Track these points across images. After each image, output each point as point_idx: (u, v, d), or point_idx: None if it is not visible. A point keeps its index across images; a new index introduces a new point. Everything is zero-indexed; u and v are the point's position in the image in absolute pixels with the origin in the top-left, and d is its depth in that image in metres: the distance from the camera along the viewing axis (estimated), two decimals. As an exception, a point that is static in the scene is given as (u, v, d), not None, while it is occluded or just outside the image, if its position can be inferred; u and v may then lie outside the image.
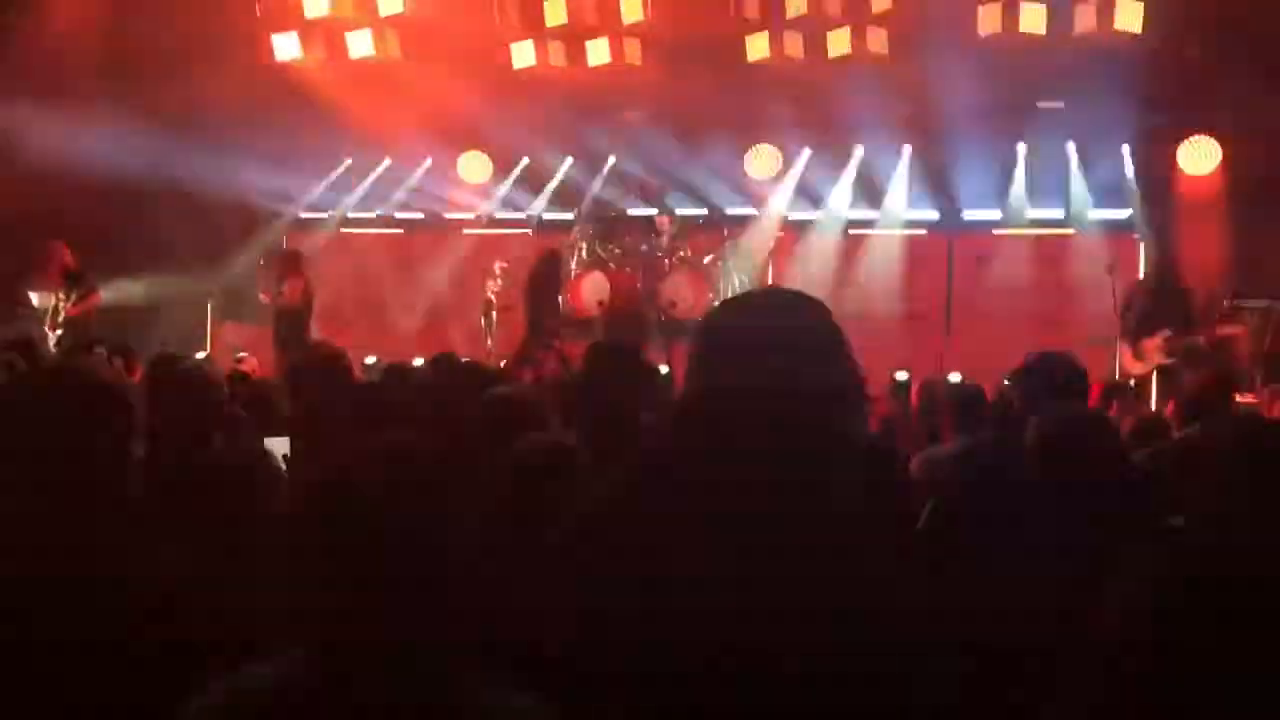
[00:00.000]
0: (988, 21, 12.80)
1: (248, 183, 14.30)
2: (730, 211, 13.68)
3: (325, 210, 15.19)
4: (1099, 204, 13.02)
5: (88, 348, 10.39)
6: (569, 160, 14.44)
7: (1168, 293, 10.52)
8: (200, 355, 11.54)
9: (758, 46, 13.50)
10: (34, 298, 11.83)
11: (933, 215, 13.59)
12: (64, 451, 2.32)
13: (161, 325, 12.72)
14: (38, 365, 5.44)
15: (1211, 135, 12.51)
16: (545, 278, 12.30)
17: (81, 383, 2.39)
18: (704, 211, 13.56)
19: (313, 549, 1.83)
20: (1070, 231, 13.12)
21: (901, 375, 11.23)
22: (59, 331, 11.35)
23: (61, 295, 11.43)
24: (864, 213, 13.75)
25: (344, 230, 15.21)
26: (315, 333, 12.06)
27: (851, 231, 13.69)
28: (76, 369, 2.44)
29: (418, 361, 8.10)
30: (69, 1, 12.64)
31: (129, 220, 13.37)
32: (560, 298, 12.39)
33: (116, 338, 9.97)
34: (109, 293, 12.00)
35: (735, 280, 12.36)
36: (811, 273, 13.10)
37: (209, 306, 13.85)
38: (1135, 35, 12.28)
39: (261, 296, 12.62)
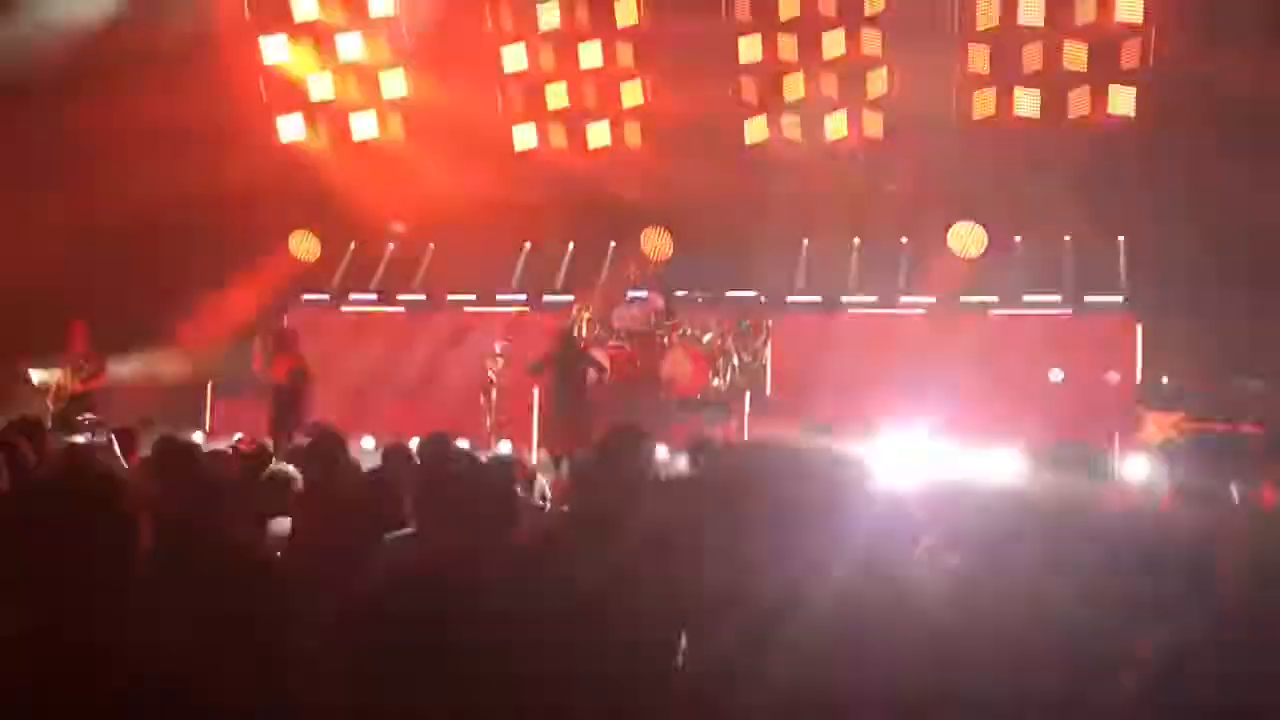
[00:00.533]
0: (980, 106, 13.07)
1: (254, 261, 14.52)
2: (731, 294, 13.75)
3: (327, 290, 15.32)
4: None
5: (85, 423, 10.45)
6: (570, 244, 14.62)
7: None
8: (197, 435, 11.56)
9: (756, 129, 13.72)
10: (34, 375, 11.90)
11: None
12: (71, 547, 2.36)
13: (160, 403, 12.73)
14: (45, 451, 5.44)
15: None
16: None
17: (88, 485, 2.43)
18: (706, 293, 13.64)
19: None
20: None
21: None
22: (61, 405, 11.48)
23: (71, 372, 11.63)
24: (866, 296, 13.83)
25: (344, 309, 15.28)
26: (310, 412, 12.03)
27: (852, 311, 13.76)
28: (83, 467, 2.48)
29: (414, 442, 8.06)
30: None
31: (128, 297, 13.48)
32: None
33: (116, 415, 9.98)
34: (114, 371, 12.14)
35: (735, 360, 12.39)
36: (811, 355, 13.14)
37: (209, 385, 13.85)
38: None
39: (254, 367, 12.70)
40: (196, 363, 13.84)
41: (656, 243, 12.71)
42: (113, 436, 8.15)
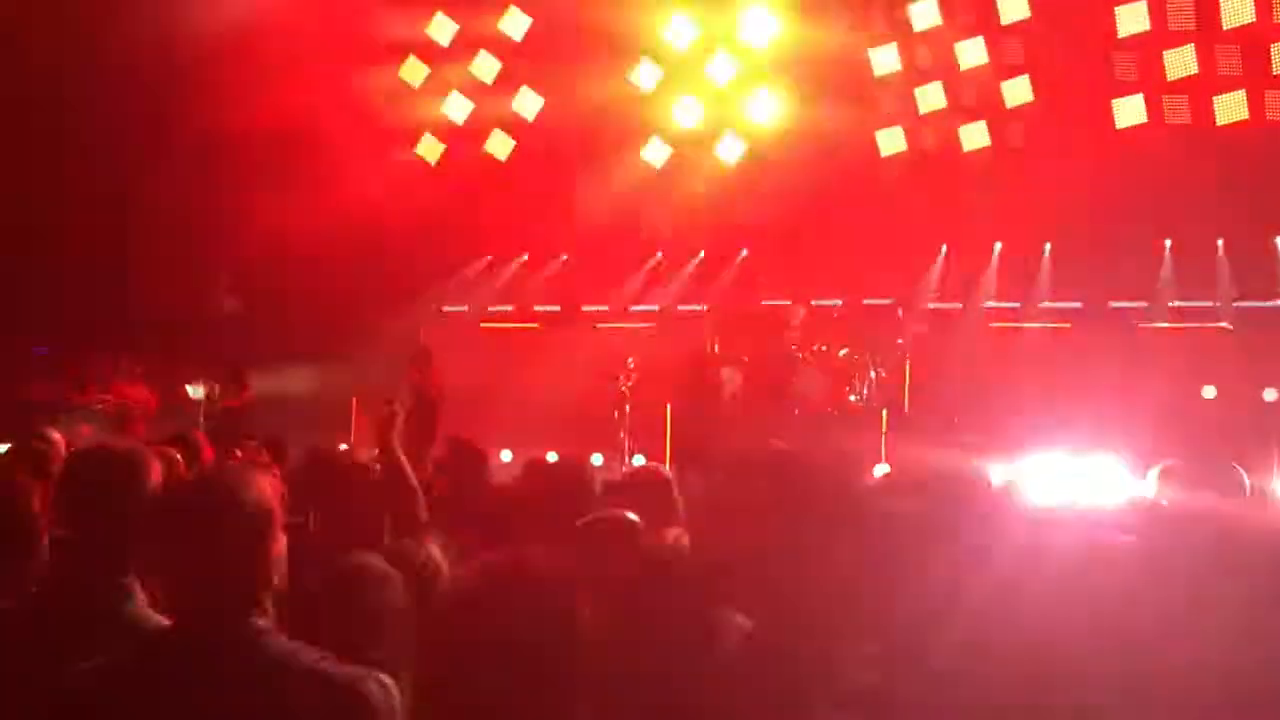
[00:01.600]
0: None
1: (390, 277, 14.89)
2: (868, 303, 13.53)
3: (464, 304, 15.64)
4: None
5: (239, 439, 10.81)
6: (700, 254, 14.63)
7: None
8: (343, 446, 11.84)
9: (892, 141, 13.56)
10: (190, 390, 12.41)
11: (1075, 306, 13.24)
12: (208, 561, 2.45)
13: (307, 416, 13.10)
14: (198, 463, 5.63)
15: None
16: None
17: (226, 498, 2.50)
18: (839, 303, 13.46)
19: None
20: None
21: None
22: (214, 420, 11.96)
23: (219, 388, 12.09)
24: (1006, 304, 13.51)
25: (482, 324, 15.56)
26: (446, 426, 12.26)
27: (993, 324, 13.42)
28: (223, 482, 2.56)
29: (551, 457, 8.12)
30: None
31: (280, 314, 13.97)
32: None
33: (266, 428, 10.30)
34: (264, 385, 12.58)
35: (872, 374, 12.16)
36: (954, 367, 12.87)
37: (353, 399, 14.21)
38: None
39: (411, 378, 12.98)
40: (341, 375, 14.21)
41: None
42: (260, 447, 8.43)
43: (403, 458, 4.73)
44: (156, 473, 3.16)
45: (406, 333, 14.65)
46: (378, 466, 4.79)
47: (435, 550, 3.89)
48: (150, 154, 13.71)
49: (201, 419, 11.83)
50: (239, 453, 8.28)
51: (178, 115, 13.58)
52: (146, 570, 2.94)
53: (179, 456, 5.10)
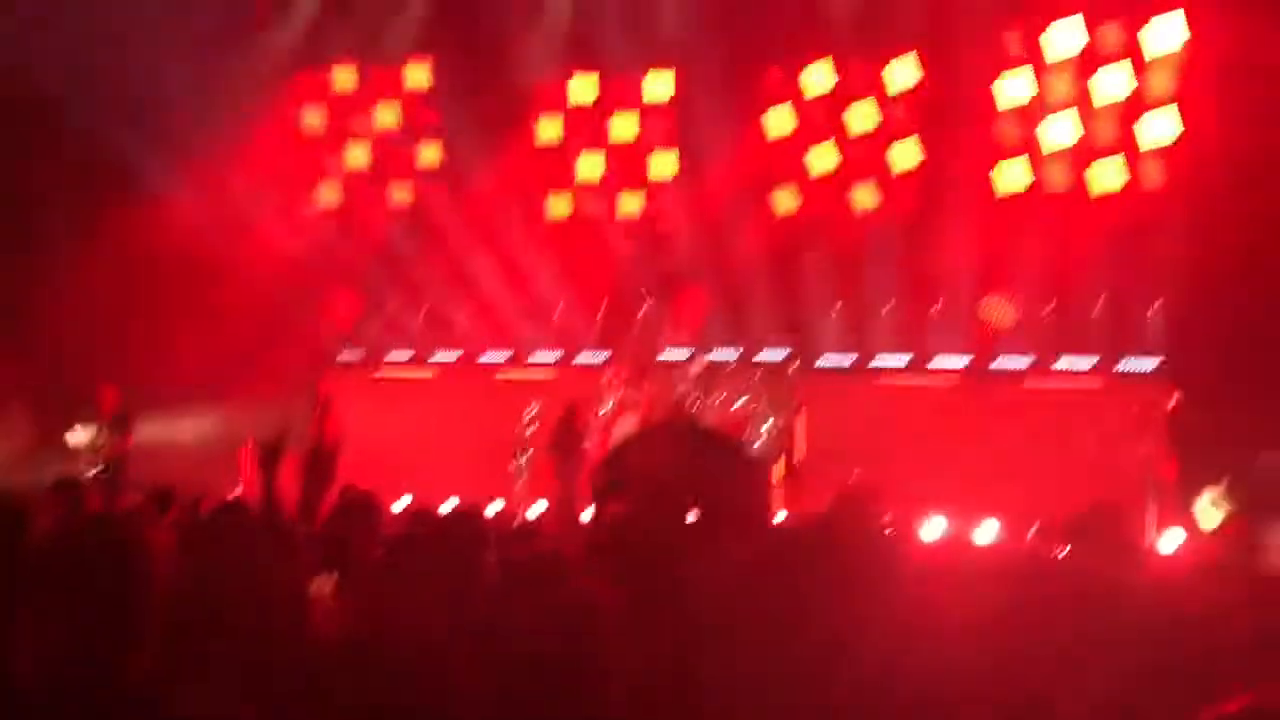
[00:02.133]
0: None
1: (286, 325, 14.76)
2: (762, 357, 13.78)
3: (361, 354, 15.53)
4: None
5: (125, 487, 10.60)
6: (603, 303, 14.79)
7: None
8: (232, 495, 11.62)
9: (786, 200, 13.94)
10: (70, 437, 12.09)
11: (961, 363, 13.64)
12: (92, 602, 2.45)
13: (202, 464, 12.86)
14: (81, 511, 5.54)
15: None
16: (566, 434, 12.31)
17: (110, 542, 2.50)
18: (737, 354, 13.68)
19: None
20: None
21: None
22: (96, 466, 11.68)
23: (103, 435, 11.81)
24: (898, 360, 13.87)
25: (377, 375, 15.45)
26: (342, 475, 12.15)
27: (884, 381, 13.74)
28: (109, 526, 2.56)
29: (446, 507, 8.11)
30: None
31: (171, 360, 13.71)
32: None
33: (157, 477, 10.09)
34: (152, 432, 12.35)
35: (767, 424, 12.34)
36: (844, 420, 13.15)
37: (241, 450, 13.95)
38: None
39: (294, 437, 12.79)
40: (236, 423, 13.97)
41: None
42: (148, 497, 8.25)
43: (279, 498, 4.68)
44: (41, 521, 3.13)
45: (302, 381, 14.48)
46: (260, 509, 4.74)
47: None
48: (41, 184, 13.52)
49: (83, 466, 11.53)
50: (124, 502, 8.11)
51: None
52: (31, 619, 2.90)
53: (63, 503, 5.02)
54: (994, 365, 13.46)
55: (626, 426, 12.21)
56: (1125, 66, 12.95)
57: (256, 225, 14.59)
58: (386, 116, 15.40)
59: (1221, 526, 10.36)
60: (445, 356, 15.50)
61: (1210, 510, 10.70)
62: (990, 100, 13.46)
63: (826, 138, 14.23)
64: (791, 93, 14.33)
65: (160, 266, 13.87)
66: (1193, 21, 12.59)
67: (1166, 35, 12.75)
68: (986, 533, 11.10)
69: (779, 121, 14.32)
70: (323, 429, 12.16)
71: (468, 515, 5.98)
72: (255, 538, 4.89)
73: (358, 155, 15.55)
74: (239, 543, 4.78)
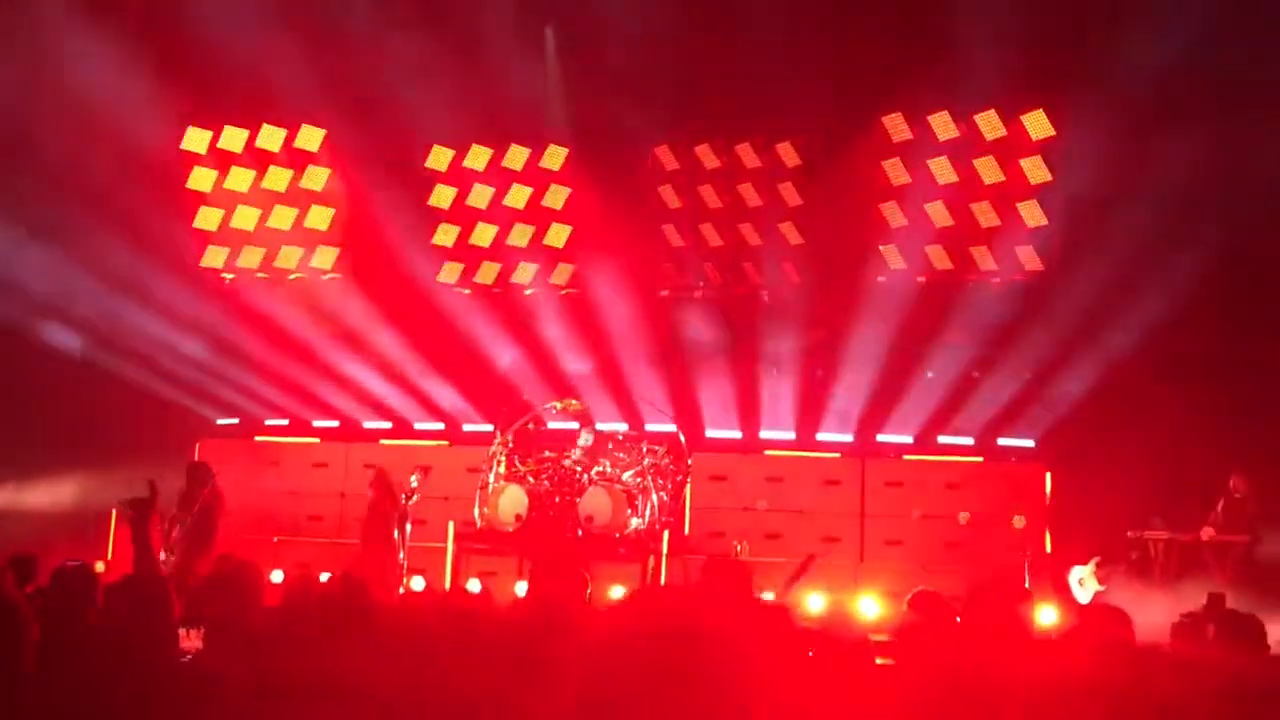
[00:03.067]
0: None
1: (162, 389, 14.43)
2: (652, 429, 13.84)
3: (240, 417, 15.20)
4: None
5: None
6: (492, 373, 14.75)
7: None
8: (100, 565, 11.20)
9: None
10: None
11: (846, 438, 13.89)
12: None
13: (65, 531, 12.38)
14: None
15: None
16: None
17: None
18: (624, 426, 13.71)
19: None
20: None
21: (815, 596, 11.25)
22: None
23: None
24: (781, 434, 14.06)
25: (257, 438, 15.11)
26: (220, 543, 11.81)
27: (768, 453, 13.90)
28: None
29: (324, 576, 7.90)
30: None
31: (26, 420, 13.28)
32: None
33: (13, 543, 9.69)
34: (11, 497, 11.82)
35: (654, 498, 12.37)
36: (732, 493, 13.29)
37: (112, 514, 13.48)
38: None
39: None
40: (99, 489, 13.51)
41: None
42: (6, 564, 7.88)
43: (153, 552, 4.52)
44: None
45: (177, 445, 14.10)
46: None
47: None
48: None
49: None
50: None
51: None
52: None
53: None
54: (877, 438, 13.74)
55: (513, 496, 12.10)
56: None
57: (140, 287, 14.28)
58: (276, 179, 15.24)
59: (1094, 600, 10.68)
60: (326, 422, 15.27)
61: (1084, 584, 11.06)
62: (876, 181, 13.87)
63: (718, 215, 14.54)
64: (684, 169, 14.62)
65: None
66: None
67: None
68: (869, 607, 11.23)
69: (669, 198, 14.65)
70: (210, 493, 11.80)
71: (346, 585, 5.87)
72: (121, 598, 4.72)
73: (247, 218, 15.34)
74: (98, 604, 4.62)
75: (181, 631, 4.30)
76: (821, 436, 13.94)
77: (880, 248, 13.86)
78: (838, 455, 13.64)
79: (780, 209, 14.28)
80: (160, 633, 4.15)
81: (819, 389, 13.96)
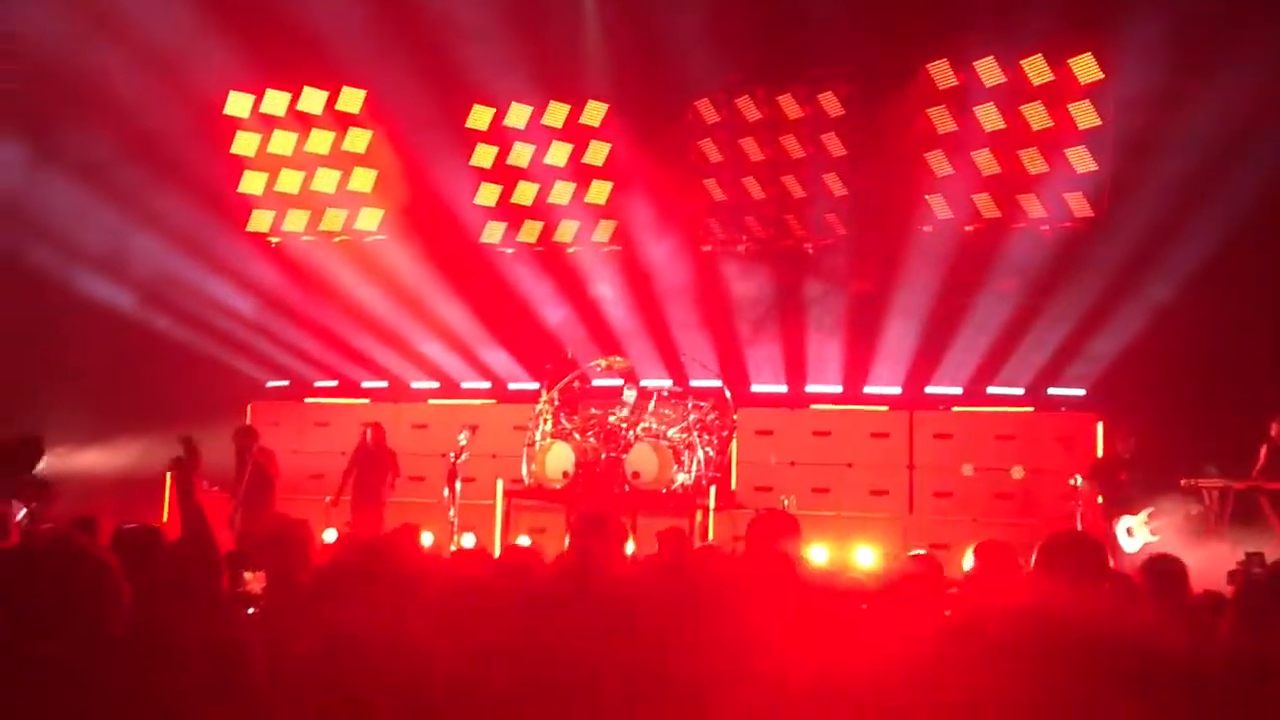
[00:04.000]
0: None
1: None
2: (697, 384, 13.82)
3: (290, 380, 15.38)
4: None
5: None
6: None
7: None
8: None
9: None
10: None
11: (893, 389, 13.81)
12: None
13: (122, 494, 12.61)
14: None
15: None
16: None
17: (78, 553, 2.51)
18: (669, 383, 13.71)
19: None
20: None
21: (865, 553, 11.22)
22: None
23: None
24: (830, 388, 14.00)
25: (307, 399, 15.29)
26: (274, 504, 12.01)
27: (815, 407, 13.85)
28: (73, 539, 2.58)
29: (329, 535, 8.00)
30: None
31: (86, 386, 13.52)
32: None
33: (80, 508, 9.88)
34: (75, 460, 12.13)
35: (700, 454, 12.38)
36: (778, 447, 13.27)
37: (166, 476, 13.72)
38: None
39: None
40: (152, 452, 13.75)
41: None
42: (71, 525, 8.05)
43: (201, 509, 4.57)
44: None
45: (227, 407, 14.29)
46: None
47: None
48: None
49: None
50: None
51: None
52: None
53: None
54: (925, 390, 13.63)
55: (560, 453, 12.16)
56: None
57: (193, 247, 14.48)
58: (319, 142, 15.27)
59: (1144, 551, 10.57)
60: (375, 383, 15.42)
61: (1133, 534, 10.94)
62: (921, 129, 13.67)
63: (760, 167, 14.40)
64: (725, 121, 14.48)
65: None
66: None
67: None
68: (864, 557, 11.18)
69: (710, 152, 14.51)
70: (253, 453, 12.00)
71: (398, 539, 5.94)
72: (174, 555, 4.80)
73: (291, 181, 15.41)
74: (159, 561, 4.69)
75: (247, 575, 4.37)
76: (869, 389, 13.86)
77: (926, 197, 13.68)
78: (885, 408, 13.57)
79: (824, 160, 14.11)
80: (208, 589, 4.22)
81: (865, 340, 13.86)
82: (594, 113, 14.75)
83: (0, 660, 2.49)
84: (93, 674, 2.52)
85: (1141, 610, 4.63)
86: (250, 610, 4.12)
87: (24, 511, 11.25)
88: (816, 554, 11.05)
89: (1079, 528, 11.23)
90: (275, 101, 15.11)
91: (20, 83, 13.74)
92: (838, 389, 14.00)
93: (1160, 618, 4.60)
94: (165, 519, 13.07)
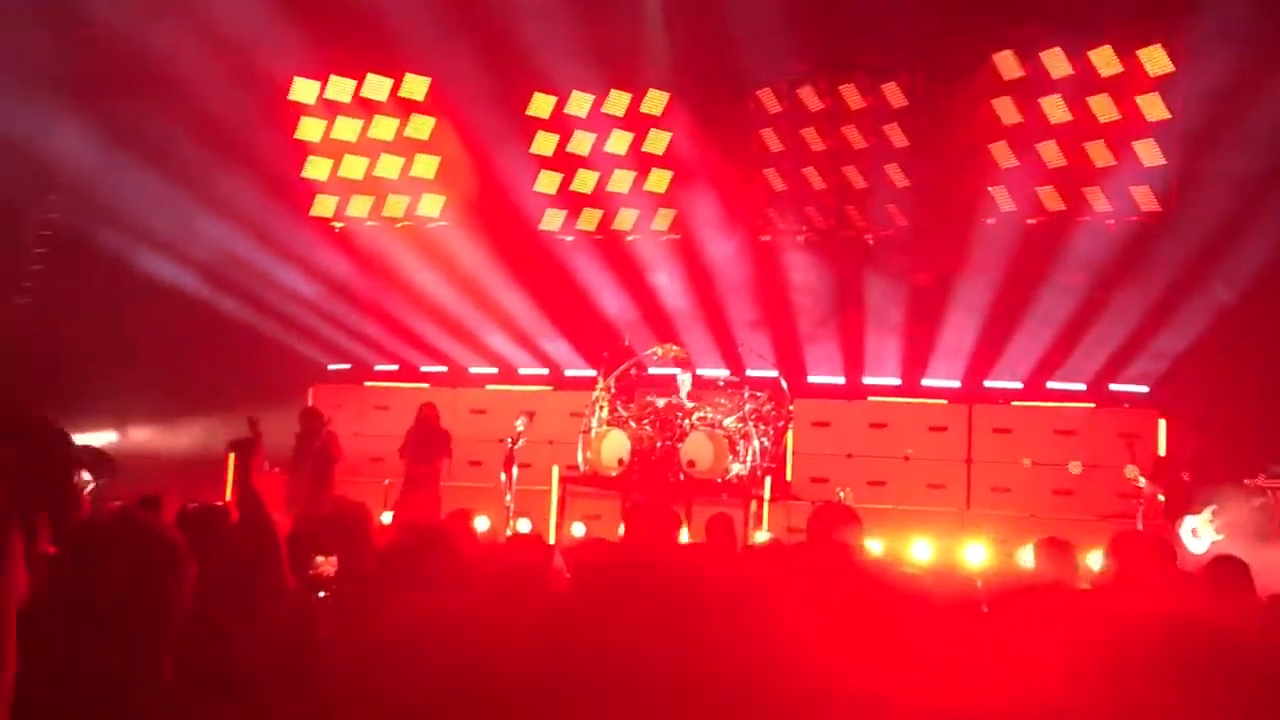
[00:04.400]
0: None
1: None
2: (753, 374, 13.79)
3: (351, 363, 15.57)
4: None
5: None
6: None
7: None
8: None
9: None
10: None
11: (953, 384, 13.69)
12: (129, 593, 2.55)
13: (187, 474, 12.85)
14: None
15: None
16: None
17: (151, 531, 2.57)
18: (725, 372, 13.69)
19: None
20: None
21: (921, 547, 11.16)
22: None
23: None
24: (888, 380, 13.92)
25: (366, 383, 15.47)
26: (335, 486, 12.19)
27: (872, 399, 13.78)
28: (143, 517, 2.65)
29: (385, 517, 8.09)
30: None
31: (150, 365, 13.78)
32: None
33: (144, 487, 10.07)
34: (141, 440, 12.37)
35: (756, 444, 12.36)
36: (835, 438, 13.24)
37: (230, 457, 13.97)
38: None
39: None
40: (216, 433, 13.99)
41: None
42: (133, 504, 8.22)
43: (256, 492, 4.63)
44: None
45: (291, 390, 14.50)
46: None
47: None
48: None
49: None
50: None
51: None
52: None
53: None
54: (984, 384, 13.51)
55: (615, 440, 12.18)
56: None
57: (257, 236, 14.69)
58: (382, 128, 15.42)
59: (1210, 551, 10.41)
60: (434, 368, 15.57)
61: (1198, 535, 10.78)
62: (985, 120, 13.52)
63: (821, 157, 14.32)
64: (786, 111, 14.41)
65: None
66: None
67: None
68: (976, 556, 11.12)
69: (770, 141, 14.44)
70: (322, 436, 12.19)
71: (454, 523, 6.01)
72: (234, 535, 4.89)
73: (354, 167, 15.58)
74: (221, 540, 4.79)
75: (319, 559, 4.44)
76: (927, 382, 13.77)
77: (989, 189, 13.53)
78: (944, 401, 13.46)
79: (886, 150, 14.00)
80: (268, 571, 4.29)
81: (925, 333, 13.75)
82: (655, 101, 14.74)
83: (70, 632, 2.55)
84: (160, 654, 2.58)
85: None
86: (321, 594, 4.19)
87: (91, 484, 11.51)
88: (871, 547, 11.00)
89: (1139, 527, 11.10)
90: (340, 88, 15.28)
91: (91, 64, 13.99)
92: (896, 381, 13.92)
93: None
94: (228, 499, 13.33)
